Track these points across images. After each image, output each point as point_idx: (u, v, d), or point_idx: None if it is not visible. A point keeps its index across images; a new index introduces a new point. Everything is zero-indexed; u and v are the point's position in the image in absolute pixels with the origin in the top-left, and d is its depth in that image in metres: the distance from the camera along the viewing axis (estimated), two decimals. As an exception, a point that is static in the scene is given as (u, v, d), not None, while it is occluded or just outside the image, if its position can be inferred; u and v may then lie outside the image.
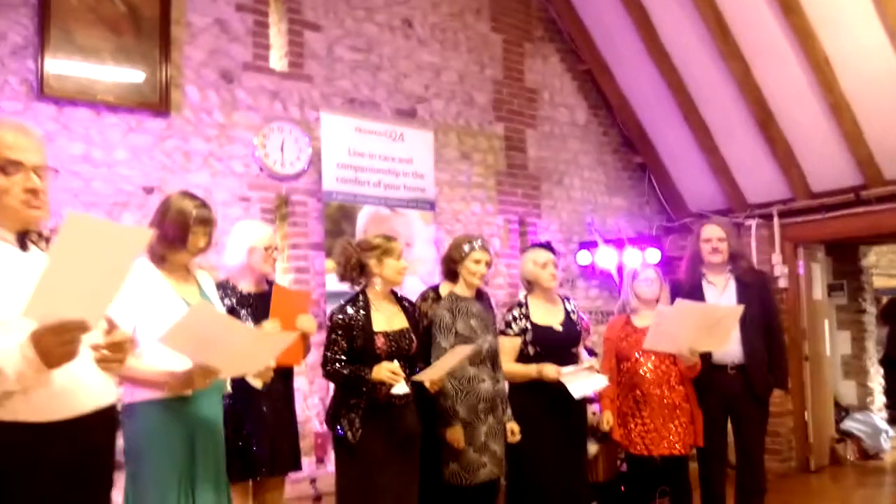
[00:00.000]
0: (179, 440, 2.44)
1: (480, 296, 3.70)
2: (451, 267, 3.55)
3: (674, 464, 3.81)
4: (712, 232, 4.02)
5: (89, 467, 1.86)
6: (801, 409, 6.13)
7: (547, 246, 3.84)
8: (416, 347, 3.22)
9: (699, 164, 6.36)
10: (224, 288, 3.12)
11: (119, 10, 4.16)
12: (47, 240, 1.91)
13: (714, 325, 3.52)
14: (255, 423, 3.06)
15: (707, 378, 3.80)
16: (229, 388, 2.77)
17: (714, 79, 5.77)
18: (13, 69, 3.87)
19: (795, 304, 6.14)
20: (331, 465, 3.22)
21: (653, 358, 3.78)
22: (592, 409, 4.42)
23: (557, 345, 3.63)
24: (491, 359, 3.49)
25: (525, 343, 3.61)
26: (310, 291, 4.49)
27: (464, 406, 3.32)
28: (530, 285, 3.75)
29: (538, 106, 6.24)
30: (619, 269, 6.05)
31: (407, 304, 3.33)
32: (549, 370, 3.48)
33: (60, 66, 3.96)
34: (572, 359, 3.64)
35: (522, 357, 3.61)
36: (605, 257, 6.12)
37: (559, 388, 3.48)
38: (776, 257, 6.13)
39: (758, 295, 3.95)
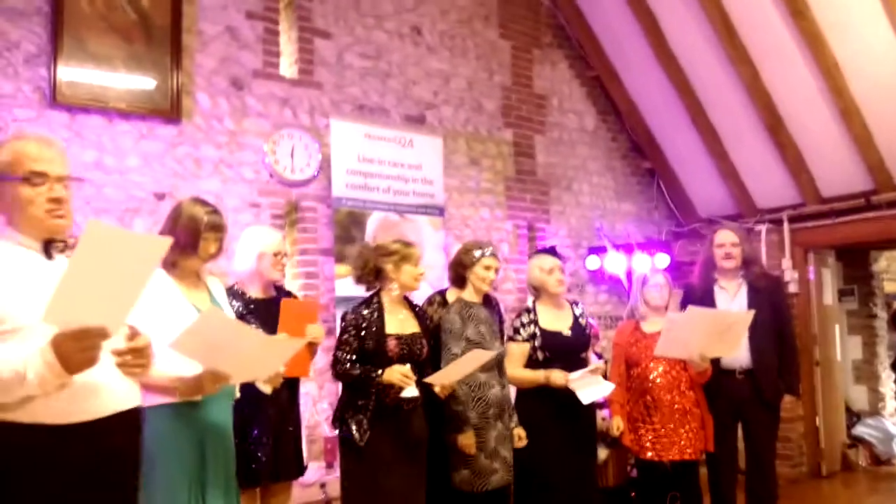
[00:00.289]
0: (190, 445, 2.45)
1: (489, 301, 3.70)
2: (460, 272, 3.55)
3: (684, 469, 3.80)
4: (726, 237, 4.02)
5: (109, 470, 1.88)
6: (812, 414, 6.09)
7: (552, 251, 3.85)
8: (426, 352, 3.23)
9: (708, 169, 6.35)
10: (233, 294, 3.13)
11: (131, 19, 4.20)
12: (72, 248, 1.93)
13: (725, 331, 3.52)
14: (261, 429, 3.08)
15: (716, 383, 3.79)
16: (238, 394, 2.79)
17: (723, 83, 5.76)
18: (26, 77, 3.92)
19: (806, 309, 6.12)
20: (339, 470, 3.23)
21: (663, 363, 3.77)
22: (602, 414, 4.42)
23: (566, 350, 3.63)
24: (498, 365, 3.50)
25: (534, 349, 3.61)
26: (318, 300, 4.51)
27: (475, 412, 3.32)
28: (537, 291, 3.76)
29: (547, 112, 6.25)
30: (629, 275, 6.05)
31: (418, 310, 3.35)
32: (558, 376, 3.48)
33: (73, 73, 4.00)
34: (581, 364, 3.63)
35: (531, 363, 3.61)
36: (615, 262, 6.12)
37: (567, 393, 3.48)
38: (786, 262, 6.11)
39: (770, 300, 3.94)
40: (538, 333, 3.62)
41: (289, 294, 3.43)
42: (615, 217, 6.62)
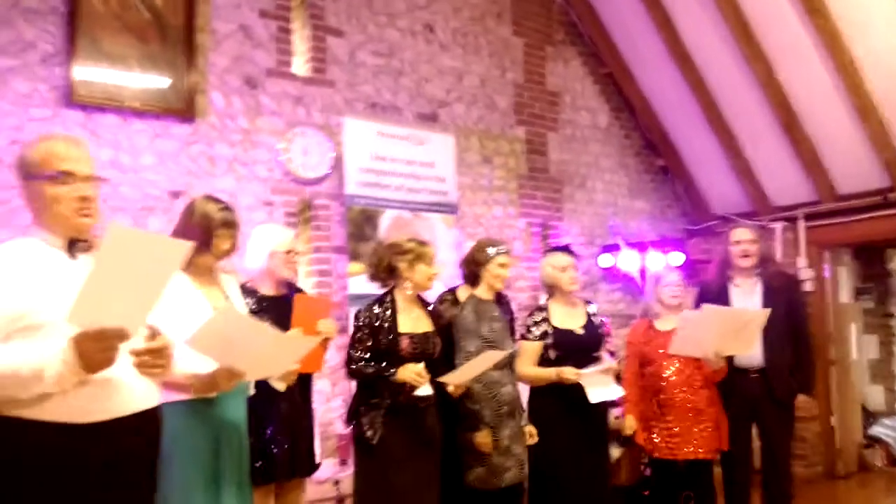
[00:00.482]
0: (205, 441, 2.47)
1: (500, 298, 3.70)
2: (474, 270, 3.55)
3: (698, 468, 3.79)
4: (743, 235, 4.00)
5: (127, 469, 1.90)
6: (827, 414, 6.05)
7: (566, 249, 3.84)
8: (439, 351, 3.24)
9: (722, 166, 6.31)
10: (245, 291, 3.14)
11: (145, 18, 4.22)
12: (96, 247, 1.96)
13: (740, 329, 3.50)
14: (276, 426, 3.09)
15: (730, 382, 3.78)
16: (253, 391, 2.81)
17: (737, 80, 5.72)
18: (43, 77, 3.95)
19: (821, 308, 6.06)
20: (353, 467, 3.24)
21: (677, 361, 3.76)
22: (615, 412, 4.40)
23: (579, 348, 3.63)
24: (510, 363, 3.50)
25: (546, 347, 3.61)
26: (330, 296, 4.53)
27: (489, 410, 3.32)
28: (551, 289, 3.75)
29: (560, 109, 6.24)
30: (642, 273, 6.02)
31: (430, 308, 3.35)
32: (569, 373, 3.48)
33: (88, 73, 4.03)
34: (594, 362, 3.62)
35: (544, 361, 3.61)
36: (628, 261, 6.09)
37: (579, 391, 3.48)
38: (801, 261, 6.06)
39: (785, 298, 3.91)
40: (551, 332, 3.61)
41: (301, 292, 3.44)
42: (628, 215, 6.59)
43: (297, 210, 4.71)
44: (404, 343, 3.11)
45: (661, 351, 3.77)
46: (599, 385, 3.51)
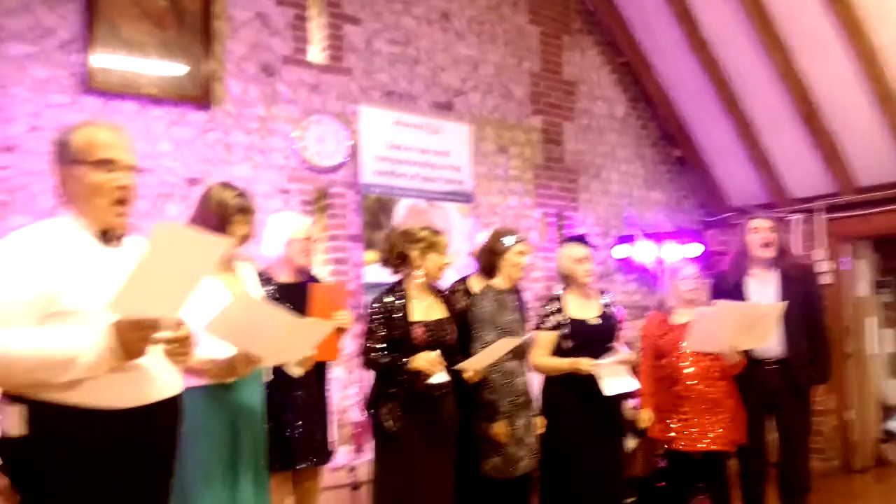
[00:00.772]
0: (222, 426, 2.49)
1: (513, 288, 3.69)
2: (492, 259, 3.54)
3: (714, 461, 3.77)
4: (762, 223, 3.97)
5: (153, 454, 1.92)
6: (844, 407, 6.01)
7: (582, 239, 3.83)
8: (454, 338, 3.23)
9: (740, 157, 6.25)
10: (262, 279, 3.15)
11: (162, 5, 4.22)
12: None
13: (755, 323, 3.48)
14: (293, 413, 3.10)
15: (748, 373, 3.75)
16: (270, 376, 2.82)
17: (756, 70, 5.66)
18: (61, 63, 3.96)
19: (839, 301, 6.02)
20: (369, 453, 3.25)
21: (693, 354, 3.74)
22: (630, 403, 4.39)
23: (594, 339, 3.62)
24: (524, 353, 3.49)
25: (561, 337, 3.60)
26: (345, 283, 4.53)
27: (505, 400, 3.32)
28: (566, 280, 3.74)
29: (576, 99, 6.20)
30: (658, 264, 5.99)
31: (444, 294, 3.35)
32: (584, 363, 3.47)
33: (106, 60, 4.04)
34: (608, 353, 3.62)
35: (558, 351, 3.61)
36: (643, 252, 6.06)
37: (593, 381, 3.47)
38: (820, 253, 6.01)
39: (802, 289, 3.89)
40: (566, 322, 3.61)
41: (317, 280, 3.44)
42: (644, 206, 6.55)
43: (312, 198, 4.71)
44: (418, 331, 3.11)
45: (677, 343, 3.75)
46: (614, 376, 3.50)
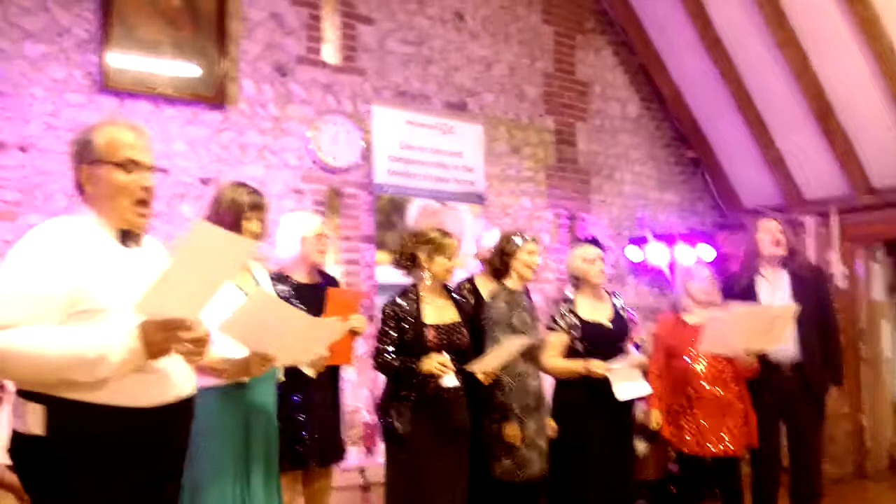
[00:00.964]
0: (235, 425, 2.51)
1: (524, 290, 3.69)
2: (504, 261, 3.53)
3: (726, 465, 3.74)
4: (772, 224, 3.96)
5: (168, 452, 1.93)
6: (858, 412, 5.96)
7: (594, 241, 3.82)
8: (467, 342, 3.23)
9: (754, 158, 6.21)
10: (279, 278, 3.16)
11: (177, 5, 4.24)
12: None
13: (769, 326, 3.46)
14: (307, 413, 3.11)
15: (762, 377, 3.73)
16: (282, 377, 2.83)
17: (770, 70, 5.62)
18: (77, 62, 3.99)
19: (853, 304, 5.97)
20: (379, 455, 3.25)
21: (706, 355, 3.72)
22: (642, 406, 4.37)
23: (606, 341, 3.61)
24: (536, 356, 3.48)
25: (573, 339, 3.59)
26: (359, 286, 4.54)
27: (516, 402, 3.32)
28: (578, 281, 3.73)
29: (589, 99, 6.18)
30: (671, 266, 5.97)
31: (458, 298, 3.34)
32: (597, 366, 3.46)
33: (121, 59, 4.06)
34: (621, 355, 3.60)
35: (570, 353, 3.60)
36: (656, 253, 6.04)
37: (605, 383, 3.46)
38: (834, 256, 5.96)
39: (814, 290, 3.87)
40: (578, 324, 3.60)
41: (333, 280, 3.45)
42: (657, 207, 6.53)
43: (325, 198, 4.72)
44: (430, 334, 3.10)
45: (689, 344, 3.73)
46: (627, 380, 3.49)
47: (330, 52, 4.89)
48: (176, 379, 1.91)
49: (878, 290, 6.36)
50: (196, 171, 4.28)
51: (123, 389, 1.79)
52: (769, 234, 3.93)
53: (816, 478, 3.89)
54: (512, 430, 3.26)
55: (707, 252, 5.78)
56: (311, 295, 3.11)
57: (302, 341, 2.34)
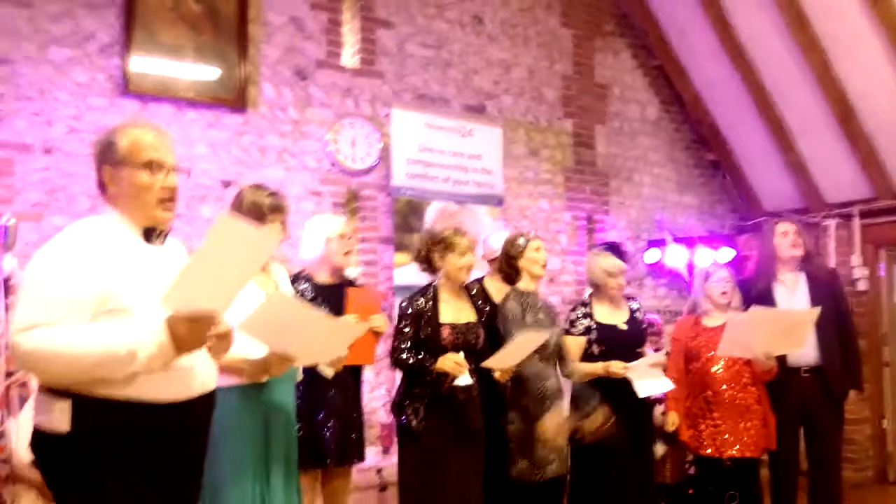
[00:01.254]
0: (254, 424, 2.53)
1: (537, 291, 3.68)
2: (512, 263, 3.54)
3: (744, 467, 3.73)
4: (789, 227, 3.93)
5: (191, 448, 1.97)
6: (879, 416, 5.89)
7: (618, 249, 3.82)
8: (483, 342, 3.23)
9: (775, 161, 6.16)
10: (302, 278, 3.20)
11: (199, 9, 4.30)
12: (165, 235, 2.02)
13: (789, 329, 3.44)
14: (328, 413, 3.13)
15: (783, 381, 3.70)
16: (301, 376, 2.86)
17: (791, 72, 5.58)
18: (101, 66, 4.05)
19: (875, 308, 5.90)
20: (396, 455, 3.27)
21: (725, 358, 3.70)
22: (660, 409, 4.36)
23: (622, 344, 3.61)
24: (556, 354, 3.48)
25: (589, 342, 3.59)
26: (377, 288, 4.56)
27: (533, 402, 3.32)
28: (597, 288, 3.74)
29: (608, 102, 6.17)
30: (690, 269, 5.93)
31: (478, 299, 3.35)
32: (616, 366, 3.46)
33: (144, 63, 4.12)
34: (637, 358, 3.60)
35: (587, 356, 3.61)
36: (675, 256, 6.01)
37: (624, 386, 3.46)
38: (856, 259, 5.90)
39: (830, 293, 3.84)
40: (594, 327, 3.60)
41: (354, 283, 3.47)
42: (676, 210, 6.50)
43: (344, 201, 4.76)
44: (445, 333, 3.11)
45: (708, 347, 3.72)
46: (647, 378, 3.48)
47: (349, 55, 4.93)
48: (200, 374, 1.93)
49: (901, 294, 6.29)
50: (217, 174, 4.33)
51: (150, 385, 1.81)
52: (786, 238, 3.90)
53: (836, 482, 3.85)
54: (551, 423, 3.24)
55: (726, 255, 5.75)
56: (333, 295, 3.14)
57: (321, 341, 2.36)
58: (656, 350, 4.25)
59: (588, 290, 3.85)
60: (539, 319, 3.42)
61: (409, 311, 3.17)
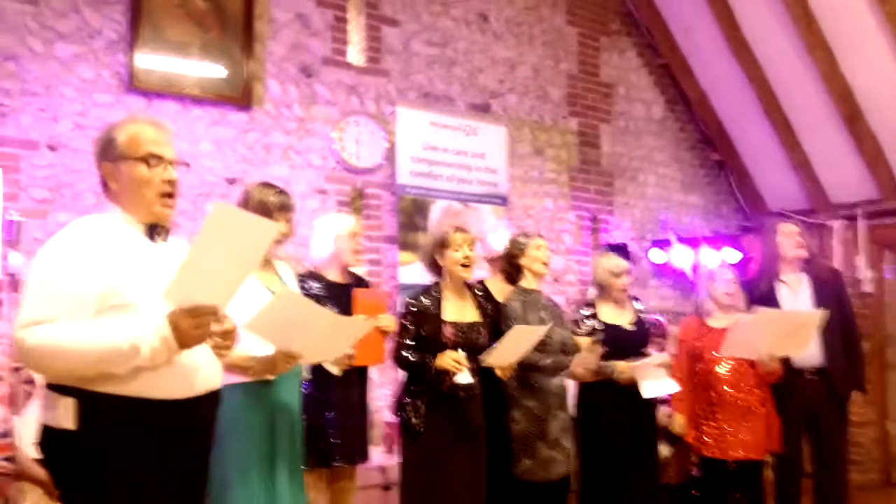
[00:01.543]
0: (260, 422, 2.53)
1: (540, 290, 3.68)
2: (515, 263, 3.54)
3: (748, 469, 3.71)
4: (794, 228, 3.93)
5: (196, 445, 1.96)
6: (883, 418, 5.88)
7: (623, 250, 3.82)
8: (485, 342, 3.22)
9: (780, 161, 6.15)
10: (312, 276, 3.20)
11: (205, 6, 4.29)
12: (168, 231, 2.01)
13: (794, 331, 3.43)
14: (336, 411, 3.13)
15: (787, 383, 3.69)
16: (306, 374, 2.85)
17: (798, 71, 5.56)
18: (106, 63, 4.05)
19: (880, 309, 5.89)
20: (399, 454, 3.26)
21: (729, 359, 3.69)
22: (665, 410, 4.35)
23: (627, 344, 3.61)
24: (562, 352, 3.47)
25: (594, 342, 3.58)
26: (381, 287, 4.55)
27: (538, 401, 3.31)
28: (602, 289, 3.74)
29: (613, 101, 6.15)
30: (695, 269, 5.92)
31: (482, 299, 3.34)
32: (621, 365, 3.46)
33: (149, 60, 4.11)
34: (642, 359, 3.59)
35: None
36: (680, 256, 6.00)
37: (629, 387, 3.45)
38: (860, 260, 5.88)
39: (834, 294, 3.83)
40: (599, 327, 3.59)
41: (364, 281, 3.48)
42: (681, 210, 6.48)
43: (349, 199, 4.75)
44: (448, 331, 3.10)
45: (713, 348, 3.71)
46: (652, 378, 3.47)
47: (355, 53, 4.92)
48: (205, 371, 1.93)
49: (906, 296, 6.27)
50: (222, 171, 4.32)
51: (154, 382, 1.81)
52: (790, 238, 3.89)
53: (841, 485, 3.84)
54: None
55: (731, 255, 5.73)
56: (344, 294, 3.14)
57: (328, 339, 2.36)
58: (661, 351, 4.23)
59: (591, 291, 3.84)
60: (542, 318, 3.41)
61: (413, 309, 3.16)
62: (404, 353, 3.13)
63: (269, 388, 2.52)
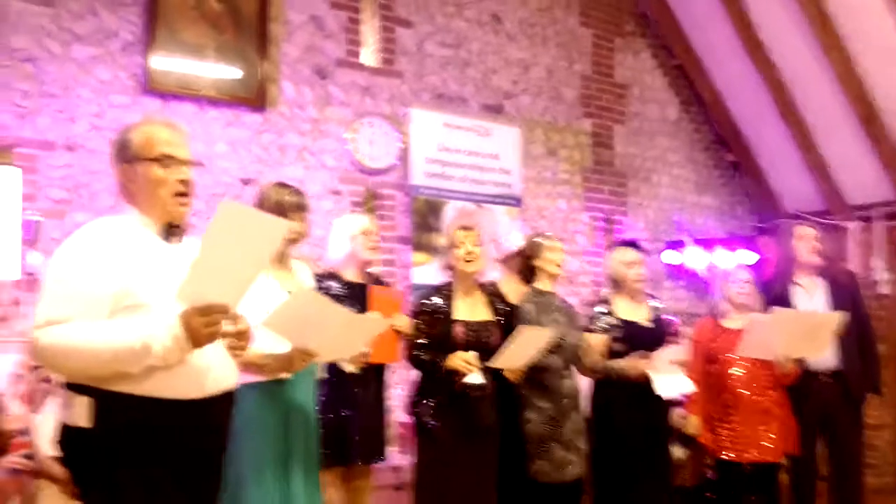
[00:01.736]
0: (275, 421, 2.54)
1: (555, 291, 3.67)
2: (530, 264, 3.54)
3: (763, 472, 3.69)
4: (811, 231, 3.91)
5: (211, 445, 1.97)
6: (901, 421, 5.83)
7: (634, 244, 3.80)
8: (497, 341, 3.21)
9: (796, 162, 6.11)
10: (329, 276, 3.23)
11: (220, 8, 4.32)
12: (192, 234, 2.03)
13: (811, 332, 3.41)
14: (354, 410, 3.14)
15: (803, 385, 3.67)
16: (321, 373, 2.87)
17: (813, 72, 5.53)
18: (123, 64, 4.08)
19: (897, 311, 5.84)
20: (413, 454, 3.27)
21: (745, 360, 3.67)
22: (680, 412, 4.33)
23: (644, 341, 3.58)
24: (575, 354, 3.46)
25: (611, 339, 3.57)
26: (394, 285, 4.56)
27: (549, 402, 3.31)
28: (616, 284, 3.71)
29: (627, 102, 6.14)
30: (709, 271, 5.89)
31: (495, 299, 3.34)
32: (627, 361, 3.45)
33: (165, 62, 4.15)
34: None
35: (609, 354, 3.58)
36: (694, 258, 5.97)
37: (643, 386, 3.43)
38: (877, 263, 5.83)
39: (850, 297, 3.81)
40: (615, 324, 3.58)
41: (381, 281, 3.50)
42: (695, 211, 6.45)
43: (362, 199, 4.77)
44: (458, 331, 3.10)
45: (728, 349, 3.69)
46: (668, 374, 3.43)
47: (369, 54, 4.93)
48: (216, 372, 1.94)
49: (924, 298, 6.21)
50: (237, 172, 4.35)
51: (169, 381, 1.83)
52: (807, 242, 3.87)
53: (857, 488, 3.83)
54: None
55: (747, 257, 5.70)
56: (362, 293, 3.16)
57: (344, 337, 2.37)
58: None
59: (604, 291, 3.82)
60: (556, 320, 3.40)
61: (424, 307, 3.17)
62: (416, 353, 3.14)
63: (283, 387, 2.53)
